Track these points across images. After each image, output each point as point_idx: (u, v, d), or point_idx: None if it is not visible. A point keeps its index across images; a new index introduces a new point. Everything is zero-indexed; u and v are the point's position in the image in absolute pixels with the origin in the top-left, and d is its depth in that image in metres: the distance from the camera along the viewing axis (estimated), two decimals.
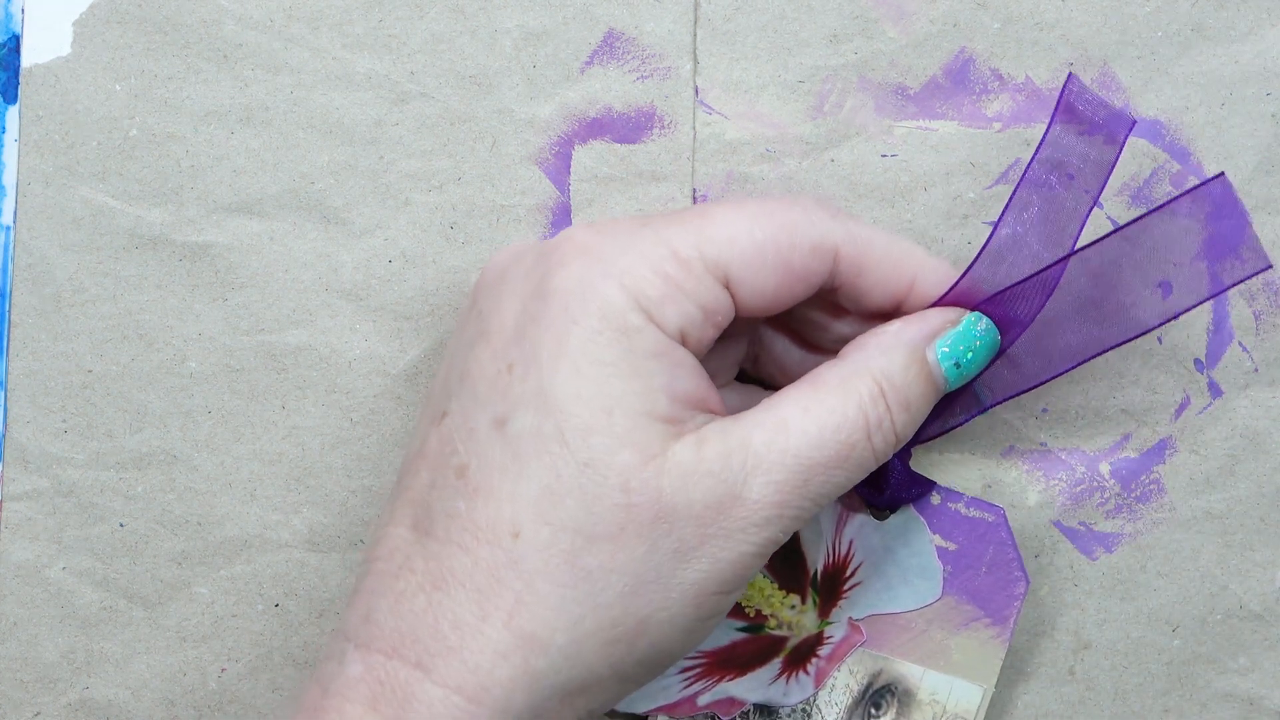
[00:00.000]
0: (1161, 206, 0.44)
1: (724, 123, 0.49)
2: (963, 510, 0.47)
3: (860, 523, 0.48)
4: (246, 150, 0.49)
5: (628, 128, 0.49)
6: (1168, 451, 0.50)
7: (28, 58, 0.49)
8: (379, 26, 0.49)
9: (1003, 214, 0.44)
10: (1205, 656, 0.50)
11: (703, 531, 0.40)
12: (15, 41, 0.49)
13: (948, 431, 0.46)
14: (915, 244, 0.45)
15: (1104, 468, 0.50)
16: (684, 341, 0.42)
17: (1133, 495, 0.50)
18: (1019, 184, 0.44)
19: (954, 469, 0.49)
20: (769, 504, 0.41)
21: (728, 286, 0.42)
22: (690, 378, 0.42)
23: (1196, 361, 0.50)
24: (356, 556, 0.49)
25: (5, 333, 0.49)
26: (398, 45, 0.49)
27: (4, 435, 0.49)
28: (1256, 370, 0.50)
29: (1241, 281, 0.44)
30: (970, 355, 0.44)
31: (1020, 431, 0.50)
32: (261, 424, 0.49)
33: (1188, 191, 0.44)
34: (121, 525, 0.49)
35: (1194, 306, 0.44)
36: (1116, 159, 0.44)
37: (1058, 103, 0.44)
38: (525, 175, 0.49)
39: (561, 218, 0.49)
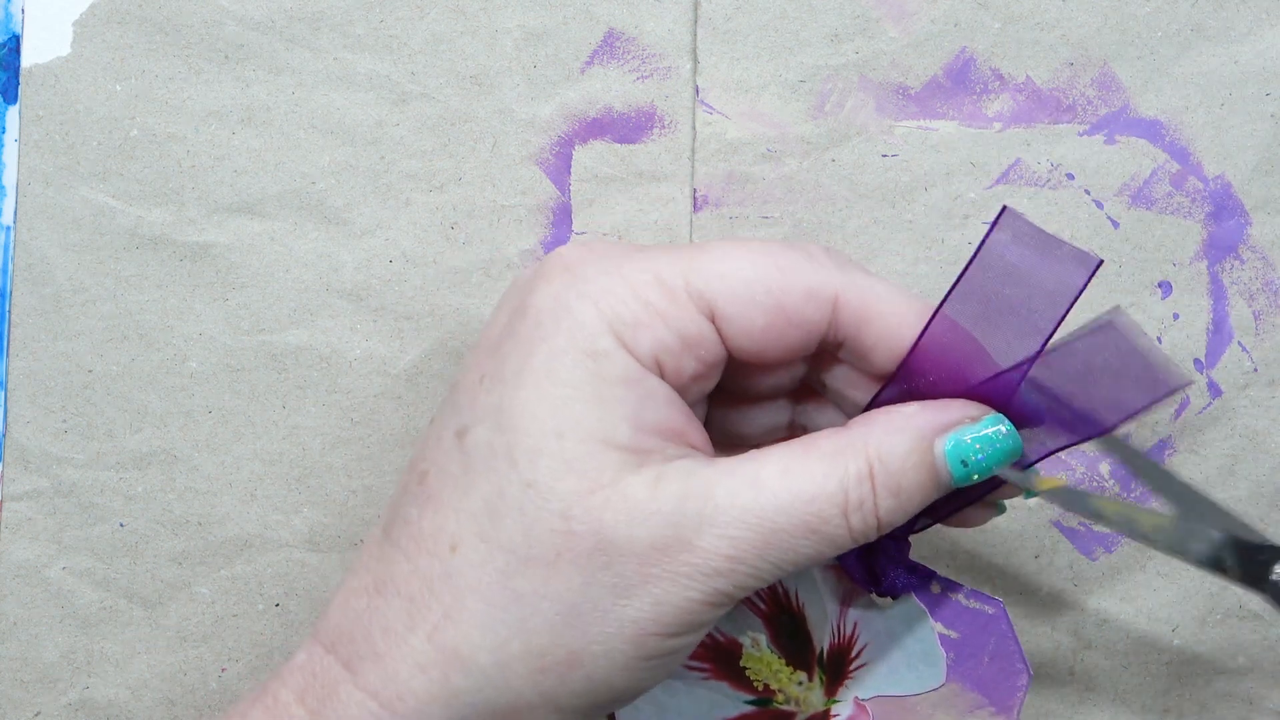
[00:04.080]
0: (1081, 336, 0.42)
1: (724, 122, 0.49)
2: (962, 601, 0.47)
3: (865, 605, 0.47)
4: (247, 150, 0.49)
5: (628, 128, 0.49)
6: (1168, 451, 0.50)
7: (28, 58, 0.49)
8: (380, 27, 0.49)
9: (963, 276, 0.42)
10: (1205, 656, 0.50)
11: (645, 570, 0.39)
12: (15, 41, 0.49)
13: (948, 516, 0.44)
14: (924, 300, 0.42)
15: (1104, 468, 0.50)
16: (660, 371, 0.41)
17: (1132, 495, 0.50)
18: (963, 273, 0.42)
19: None
20: (720, 556, 0.39)
21: (715, 321, 0.41)
22: (662, 408, 0.40)
23: (1196, 361, 0.50)
24: (357, 556, 0.49)
25: (5, 333, 0.49)
26: (398, 46, 0.49)
27: (4, 435, 0.49)
28: (1256, 370, 0.50)
29: (1160, 401, 0.42)
30: (981, 456, 0.41)
31: None
32: (262, 424, 0.49)
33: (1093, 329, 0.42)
34: (121, 525, 0.49)
35: (1121, 423, 0.41)
36: (1075, 298, 0.41)
37: (988, 233, 0.41)
38: (525, 175, 0.49)
39: (562, 218, 0.49)
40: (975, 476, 0.41)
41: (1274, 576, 0.41)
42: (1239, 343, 0.50)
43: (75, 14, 0.49)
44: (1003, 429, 0.41)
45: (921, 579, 0.47)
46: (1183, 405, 0.50)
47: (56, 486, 0.49)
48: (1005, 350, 0.41)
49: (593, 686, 0.40)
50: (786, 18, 0.49)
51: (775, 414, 0.45)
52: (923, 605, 0.47)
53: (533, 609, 0.39)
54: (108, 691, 0.49)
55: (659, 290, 0.40)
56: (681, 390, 0.41)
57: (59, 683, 0.49)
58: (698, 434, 0.41)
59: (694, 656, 0.48)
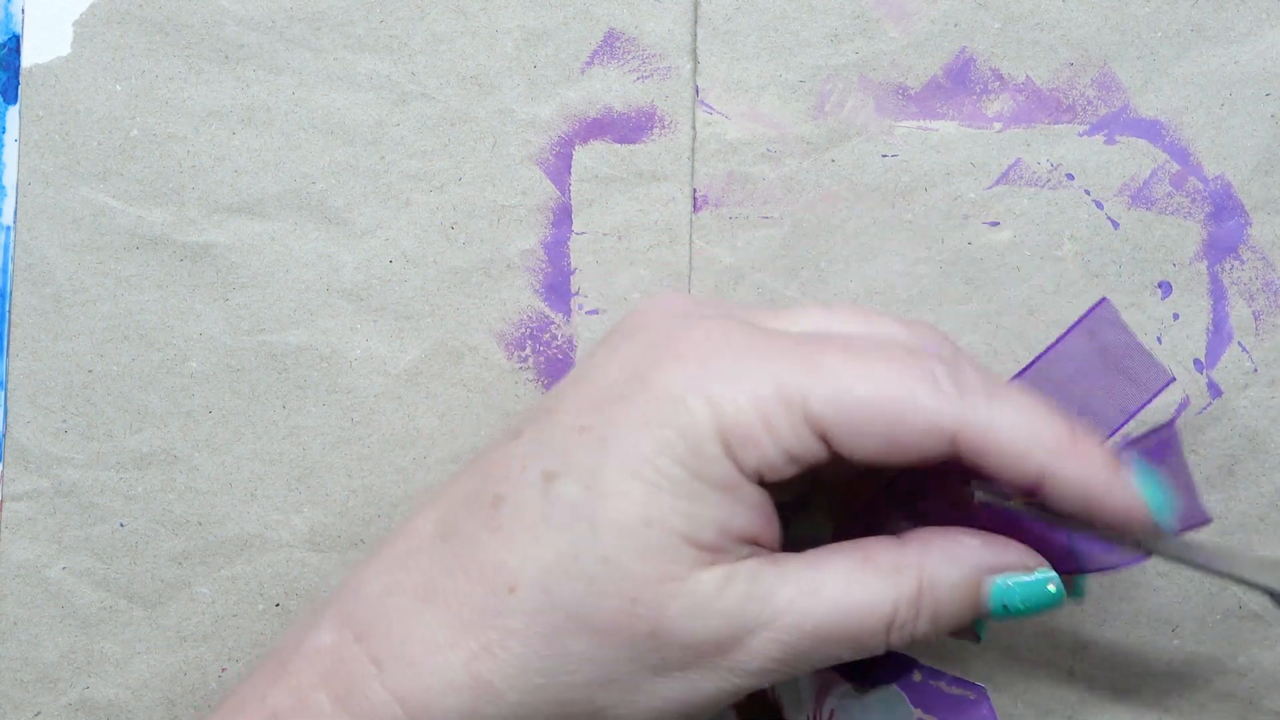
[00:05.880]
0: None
1: (724, 123, 0.49)
2: (944, 688, 0.47)
3: (842, 692, 0.47)
4: (247, 150, 0.49)
5: (628, 128, 0.49)
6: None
7: (28, 58, 0.49)
8: (380, 27, 0.49)
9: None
10: (1205, 656, 0.50)
11: (690, 660, 0.40)
12: (15, 41, 0.49)
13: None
14: (1047, 429, 0.41)
15: None
16: (760, 480, 0.41)
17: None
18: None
19: None
20: (767, 658, 0.41)
21: (826, 439, 0.41)
22: (749, 516, 0.41)
23: (1196, 361, 0.50)
24: (358, 556, 0.49)
25: (5, 333, 0.49)
26: (399, 46, 0.49)
27: (4, 435, 0.49)
28: (1256, 370, 0.50)
29: (1145, 405, 0.44)
30: (1023, 606, 0.42)
31: None
32: (262, 424, 0.49)
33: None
34: (121, 525, 0.49)
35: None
36: (1145, 403, 0.43)
37: (1081, 322, 0.43)
38: (525, 175, 0.49)
39: (562, 218, 0.49)
40: (1009, 618, 0.42)
41: None
42: (1239, 343, 0.50)
43: (75, 14, 0.49)
44: (1052, 587, 0.42)
45: (904, 668, 0.47)
46: (1182, 405, 0.50)
47: (56, 486, 0.49)
48: None
49: None
50: (786, 18, 0.49)
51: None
52: (902, 692, 0.47)
53: (574, 668, 0.40)
54: (108, 691, 0.49)
55: (777, 405, 0.40)
56: (771, 486, 0.42)
57: (59, 683, 0.49)
58: (772, 536, 0.42)
59: None
